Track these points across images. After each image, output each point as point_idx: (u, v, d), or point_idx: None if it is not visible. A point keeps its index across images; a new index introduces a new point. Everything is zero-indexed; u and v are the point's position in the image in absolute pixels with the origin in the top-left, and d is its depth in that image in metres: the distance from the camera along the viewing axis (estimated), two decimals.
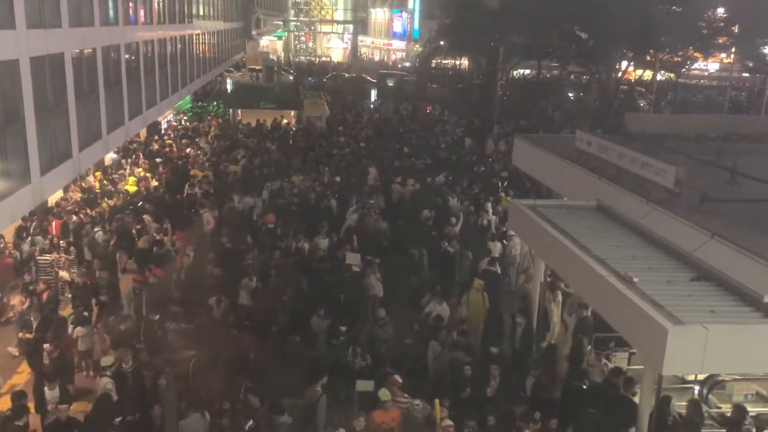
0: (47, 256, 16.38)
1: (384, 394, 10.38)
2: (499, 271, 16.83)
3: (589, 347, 12.76)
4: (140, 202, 20.54)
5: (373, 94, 50.36)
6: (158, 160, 26.84)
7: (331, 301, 14.24)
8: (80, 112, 19.01)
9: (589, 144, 16.32)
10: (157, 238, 17.68)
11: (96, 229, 17.88)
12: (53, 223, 18.37)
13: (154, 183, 23.33)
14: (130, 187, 22.73)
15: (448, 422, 9.95)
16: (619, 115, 27.37)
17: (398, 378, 10.89)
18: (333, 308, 13.86)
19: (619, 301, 9.86)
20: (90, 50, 20.38)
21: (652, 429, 9.86)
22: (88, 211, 19.47)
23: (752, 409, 10.97)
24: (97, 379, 11.24)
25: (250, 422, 9.90)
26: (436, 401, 10.46)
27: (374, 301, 14.94)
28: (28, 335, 12.43)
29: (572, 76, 46.96)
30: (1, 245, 16.48)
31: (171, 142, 31.23)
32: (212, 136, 32.68)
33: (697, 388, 11.43)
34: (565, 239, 12.10)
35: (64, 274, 16.24)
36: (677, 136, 19.06)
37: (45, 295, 14.24)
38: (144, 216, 18.97)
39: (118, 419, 10.10)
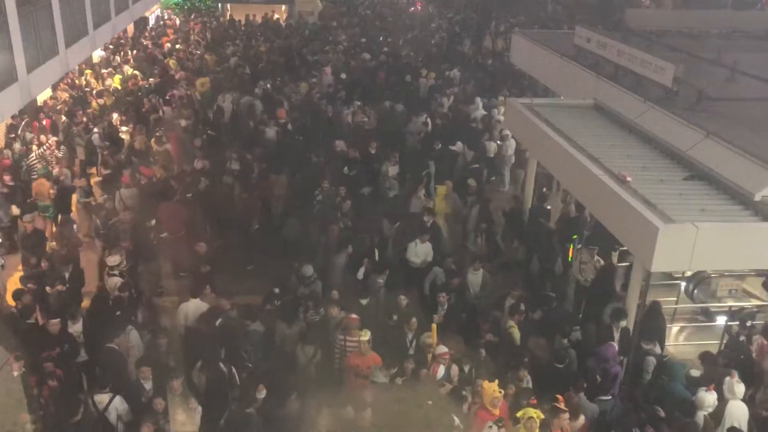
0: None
1: (365, 333, 9.61)
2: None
3: (580, 246, 12.98)
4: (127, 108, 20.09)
5: None
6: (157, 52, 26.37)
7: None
8: (64, 6, 18.40)
9: (588, 40, 15.96)
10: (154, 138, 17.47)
11: (95, 130, 17.54)
12: (44, 122, 18.10)
13: (143, 83, 22.73)
14: (117, 84, 22.25)
15: (443, 349, 9.40)
16: (620, 11, 26.56)
17: (354, 315, 10.04)
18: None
19: (612, 199, 9.95)
20: None
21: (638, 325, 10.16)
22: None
23: (736, 304, 11.33)
24: (106, 278, 11.41)
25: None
26: (434, 326, 10.01)
27: None
28: (60, 287, 11.27)
29: None
30: None
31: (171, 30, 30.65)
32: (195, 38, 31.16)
33: (683, 284, 11.72)
34: (560, 138, 12.06)
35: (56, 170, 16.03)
36: (679, 33, 18.65)
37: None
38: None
39: (117, 313, 10.31)
